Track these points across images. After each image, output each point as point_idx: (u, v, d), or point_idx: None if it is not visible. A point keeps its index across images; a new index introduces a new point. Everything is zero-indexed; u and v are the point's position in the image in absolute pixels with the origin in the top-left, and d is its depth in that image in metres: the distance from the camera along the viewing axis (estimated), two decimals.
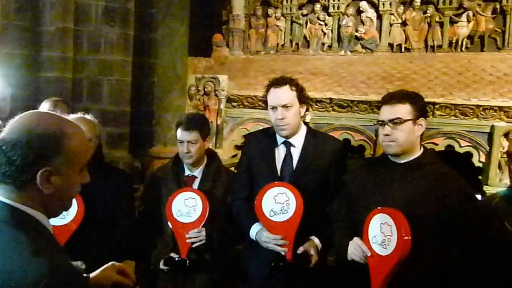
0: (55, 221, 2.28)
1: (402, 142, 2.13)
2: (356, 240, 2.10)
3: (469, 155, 4.31)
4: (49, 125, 1.23)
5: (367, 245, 2.03)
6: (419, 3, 5.12)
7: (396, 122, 2.12)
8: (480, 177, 4.28)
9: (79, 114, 2.57)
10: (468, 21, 4.92)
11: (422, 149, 2.23)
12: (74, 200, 2.30)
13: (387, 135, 2.15)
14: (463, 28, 4.94)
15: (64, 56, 5.43)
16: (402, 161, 2.19)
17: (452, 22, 5.01)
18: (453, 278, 2.00)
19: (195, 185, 2.78)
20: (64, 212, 2.30)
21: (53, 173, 1.21)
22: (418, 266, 1.98)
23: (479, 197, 3.18)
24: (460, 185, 2.13)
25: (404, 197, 2.09)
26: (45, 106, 3.27)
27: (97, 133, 2.62)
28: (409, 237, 1.87)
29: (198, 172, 2.81)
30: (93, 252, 2.40)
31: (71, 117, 2.53)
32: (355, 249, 2.09)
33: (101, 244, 2.50)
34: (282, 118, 2.48)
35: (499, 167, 4.10)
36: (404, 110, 2.13)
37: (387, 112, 2.16)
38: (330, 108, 4.80)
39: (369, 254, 2.02)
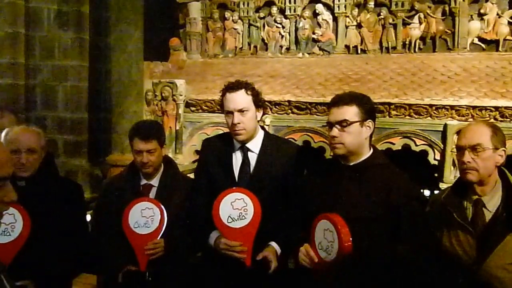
0: None
1: (349, 144, 2.15)
2: (305, 246, 2.10)
3: (425, 153, 4.41)
4: None
5: (314, 251, 2.05)
6: (372, 6, 5.22)
7: (343, 124, 2.13)
8: (436, 175, 4.40)
9: (23, 126, 2.48)
10: (420, 23, 5.06)
11: (371, 150, 2.25)
12: (18, 215, 2.24)
13: (334, 137, 2.16)
14: (415, 30, 5.07)
15: (15, 61, 5.27)
16: (351, 163, 2.21)
17: (405, 24, 5.13)
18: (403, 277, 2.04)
19: (152, 194, 2.70)
20: (9, 229, 2.24)
21: None
22: (367, 268, 2.02)
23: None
24: (406, 186, 2.16)
25: (351, 199, 2.12)
26: None
27: (42, 143, 2.48)
28: (350, 243, 1.89)
29: (155, 181, 2.73)
30: (44, 270, 2.28)
31: (14, 128, 2.45)
32: (304, 255, 2.10)
33: (52, 261, 2.34)
34: (239, 123, 2.46)
35: (453, 164, 4.22)
36: (351, 112, 2.14)
37: (335, 114, 2.17)
38: (289, 111, 4.82)
39: (315, 260, 2.04)
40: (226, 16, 5.86)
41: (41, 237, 2.32)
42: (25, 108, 5.43)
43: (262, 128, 2.69)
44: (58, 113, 5.70)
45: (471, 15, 4.89)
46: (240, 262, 2.38)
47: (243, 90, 2.49)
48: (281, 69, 5.38)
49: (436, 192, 2.62)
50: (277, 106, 4.78)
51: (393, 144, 4.49)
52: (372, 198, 2.10)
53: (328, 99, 4.54)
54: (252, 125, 2.53)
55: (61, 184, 2.70)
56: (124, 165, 3.21)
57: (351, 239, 1.89)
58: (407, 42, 5.14)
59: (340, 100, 2.19)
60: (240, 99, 2.48)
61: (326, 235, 1.98)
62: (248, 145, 2.56)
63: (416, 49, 5.11)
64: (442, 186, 4.15)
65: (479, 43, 4.89)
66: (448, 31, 4.98)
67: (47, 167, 2.59)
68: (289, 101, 4.76)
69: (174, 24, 6.19)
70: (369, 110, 2.20)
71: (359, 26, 5.35)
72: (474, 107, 4.20)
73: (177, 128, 5.07)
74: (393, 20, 5.19)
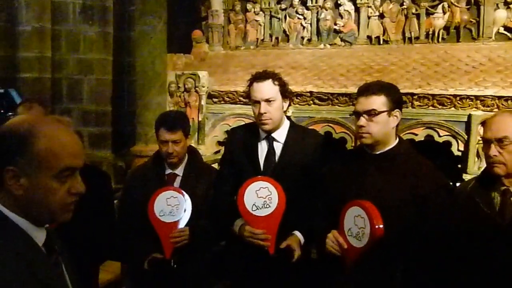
0: None
1: (376, 133, 2.14)
2: (333, 233, 2.12)
3: (448, 144, 4.37)
4: (19, 126, 1.21)
5: (343, 238, 2.07)
6: None
7: (371, 114, 2.12)
8: (459, 166, 4.36)
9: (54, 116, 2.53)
10: (444, 12, 4.99)
11: (397, 140, 2.24)
12: None
13: (362, 126, 2.15)
14: (439, 20, 5.01)
15: (42, 56, 5.38)
16: (377, 152, 2.20)
17: (428, 14, 5.08)
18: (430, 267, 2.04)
19: (177, 183, 2.73)
20: None
21: (19, 174, 1.18)
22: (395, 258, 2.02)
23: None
24: (433, 174, 2.15)
25: (377, 188, 2.11)
26: (19, 110, 3.22)
27: None
28: (382, 226, 1.91)
29: (179, 170, 2.76)
30: (72, 256, 2.36)
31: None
32: (332, 241, 2.12)
33: (80, 247, 2.42)
34: (265, 113, 2.47)
35: (477, 155, 4.17)
36: (379, 101, 2.13)
37: (362, 103, 2.16)
38: (311, 102, 4.82)
39: (345, 247, 2.05)
40: (247, 8, 5.88)
41: (69, 223, 2.37)
42: (51, 101, 5.55)
43: (288, 118, 2.69)
44: (83, 106, 5.82)
45: (497, 4, 4.81)
46: (264, 250, 2.40)
47: (270, 80, 2.50)
48: (302, 60, 5.38)
49: (457, 184, 2.59)
50: (298, 97, 4.78)
51: (416, 135, 4.46)
52: (399, 187, 2.09)
53: (350, 90, 4.59)
54: (278, 115, 2.53)
55: (89, 172, 2.75)
56: (148, 155, 3.25)
57: (382, 225, 1.91)
58: (430, 32, 5.08)
59: (368, 90, 2.17)
60: (267, 89, 2.48)
61: (356, 221, 2.00)
62: (273, 134, 2.57)
63: (440, 39, 5.05)
64: (466, 177, 4.11)
65: (505, 32, 4.81)
66: (472, 20, 4.90)
67: None
68: (310, 92, 4.76)
69: (196, 17, 6.24)
70: (397, 99, 2.19)
71: (381, 16, 5.32)
72: (499, 97, 4.15)
73: (200, 119, 5.13)
74: (416, 10, 5.13)
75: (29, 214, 1.23)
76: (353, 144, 4.60)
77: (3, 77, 5.21)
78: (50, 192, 1.22)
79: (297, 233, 2.49)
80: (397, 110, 2.17)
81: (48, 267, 1.27)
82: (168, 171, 2.77)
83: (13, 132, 1.19)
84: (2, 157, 1.18)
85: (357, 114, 2.18)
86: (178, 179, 2.76)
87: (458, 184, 2.53)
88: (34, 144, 1.18)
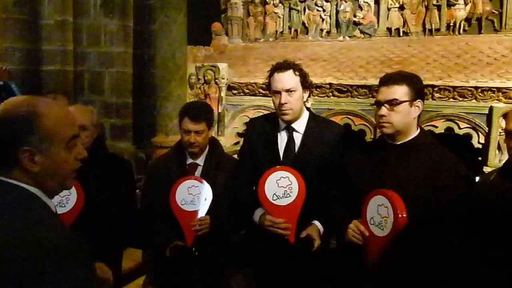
0: None
1: (398, 123, 2.14)
2: (354, 222, 2.14)
3: (468, 137, 4.34)
4: (20, 107, 1.26)
5: (365, 227, 2.08)
6: None
7: (392, 103, 2.12)
8: (479, 158, 4.32)
9: (77, 104, 2.57)
10: (466, 4, 4.93)
11: (419, 130, 2.24)
12: (73, 189, 2.35)
13: (383, 116, 2.15)
14: (461, 11, 4.95)
15: (64, 49, 5.47)
16: (398, 143, 2.20)
17: (450, 5, 5.02)
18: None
19: (198, 173, 2.77)
20: (64, 201, 2.35)
21: (34, 152, 1.25)
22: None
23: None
24: (454, 165, 2.14)
25: (399, 178, 2.12)
26: None
27: (94, 121, 2.57)
28: (405, 215, 1.92)
29: (200, 160, 2.79)
30: (94, 243, 2.41)
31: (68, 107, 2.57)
32: (353, 230, 2.13)
33: (102, 234, 2.41)
34: (286, 103, 2.48)
35: (498, 148, 4.14)
36: (401, 91, 2.12)
37: (384, 93, 2.15)
38: (330, 93, 4.83)
39: (367, 235, 2.06)
40: (267, 0, 5.88)
41: (93, 211, 2.41)
42: (74, 93, 5.64)
43: (308, 109, 2.70)
44: (104, 98, 5.91)
45: None
46: (284, 239, 2.43)
47: (291, 71, 2.51)
48: (321, 53, 5.37)
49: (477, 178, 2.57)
50: (318, 89, 4.79)
51: (436, 127, 4.43)
52: (419, 177, 2.09)
53: (370, 81, 4.58)
54: (299, 106, 2.54)
55: (112, 160, 2.81)
56: (168, 146, 3.30)
57: (406, 214, 1.92)
58: (451, 24, 5.02)
59: (390, 79, 2.17)
60: (288, 79, 2.49)
61: (379, 210, 2.01)
62: (293, 125, 2.59)
63: (461, 31, 4.99)
64: (486, 169, 4.08)
65: None
66: (495, 11, 4.84)
67: (99, 144, 2.68)
68: (330, 84, 4.76)
69: (216, 9, 6.26)
70: (419, 89, 2.18)
71: (401, 8, 5.27)
72: None
73: (219, 111, 5.17)
74: (437, 1, 5.08)
75: (43, 187, 1.30)
76: (372, 136, 4.59)
77: (27, 70, 5.31)
78: (63, 162, 1.32)
79: (317, 223, 2.51)
80: (419, 100, 2.16)
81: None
82: (190, 160, 2.81)
83: (18, 114, 1.25)
84: (14, 139, 1.24)
85: (379, 104, 2.18)
86: (199, 169, 2.79)
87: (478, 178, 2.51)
88: (42, 121, 1.26)
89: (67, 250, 1.17)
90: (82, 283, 1.20)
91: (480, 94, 4.24)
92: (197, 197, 2.66)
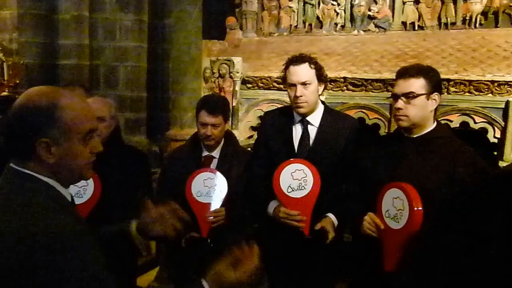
0: None
1: (414, 116, 2.13)
2: (370, 215, 2.14)
3: (484, 131, 4.31)
4: (41, 99, 1.28)
5: (381, 219, 2.08)
6: None
7: (409, 96, 2.12)
8: (495, 153, 4.29)
9: (95, 96, 2.61)
10: None
11: (435, 124, 2.23)
12: (91, 180, 2.38)
13: (399, 109, 2.15)
14: (477, 5, 4.89)
15: (80, 43, 5.52)
16: (415, 136, 2.20)
17: None
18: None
19: (213, 165, 2.80)
20: (81, 191, 2.40)
21: (51, 144, 1.28)
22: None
23: None
24: (471, 158, 2.13)
25: (415, 171, 2.11)
26: None
27: (112, 113, 2.62)
28: (421, 208, 1.92)
29: (216, 153, 2.83)
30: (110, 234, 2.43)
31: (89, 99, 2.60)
32: (368, 223, 2.13)
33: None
34: (301, 96, 2.50)
35: None
36: (418, 84, 2.12)
37: (401, 86, 2.15)
38: (344, 87, 4.81)
39: (382, 227, 2.07)
40: None
41: (110, 201, 2.45)
42: (89, 87, 5.69)
43: (322, 102, 2.72)
44: (119, 92, 5.95)
45: None
46: (298, 232, 2.45)
47: (306, 64, 2.52)
48: (336, 47, 5.36)
49: None
50: (332, 83, 4.77)
51: (451, 121, 4.39)
52: (436, 171, 2.09)
53: (384, 75, 4.56)
54: (314, 99, 2.56)
55: (129, 152, 2.85)
56: (183, 139, 3.33)
57: (421, 207, 1.92)
58: (467, 18, 4.96)
59: (407, 72, 2.16)
60: (304, 72, 2.51)
61: (395, 203, 2.01)
62: (308, 118, 2.60)
63: (477, 25, 4.93)
64: (502, 164, 4.05)
65: None
66: None
67: (116, 136, 2.72)
68: (344, 78, 4.75)
69: (230, 4, 6.27)
70: (436, 83, 2.17)
71: (416, 2, 5.22)
72: None
73: (234, 104, 5.18)
74: None
75: (59, 177, 1.33)
76: (386, 131, 4.58)
77: (44, 64, 5.37)
78: (78, 154, 1.34)
79: (331, 215, 2.52)
80: (436, 93, 2.16)
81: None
82: (205, 153, 2.84)
83: (38, 105, 1.27)
84: (33, 130, 1.27)
85: (395, 97, 2.18)
86: (215, 161, 2.82)
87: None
88: (61, 114, 1.28)
89: (63, 243, 1.17)
90: (81, 277, 1.19)
91: (497, 88, 4.19)
92: (212, 189, 2.69)
